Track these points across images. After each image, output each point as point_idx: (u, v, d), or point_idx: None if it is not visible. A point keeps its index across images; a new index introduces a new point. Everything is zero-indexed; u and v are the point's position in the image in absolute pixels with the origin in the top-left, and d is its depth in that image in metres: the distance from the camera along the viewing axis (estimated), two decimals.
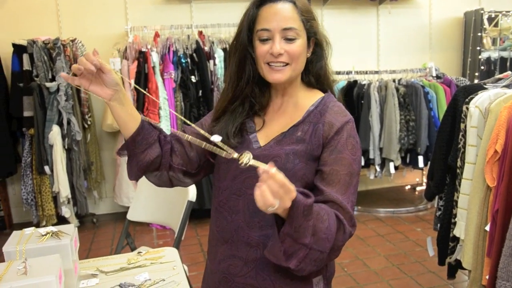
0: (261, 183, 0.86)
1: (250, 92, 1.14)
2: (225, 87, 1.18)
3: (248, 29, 1.11)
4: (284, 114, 1.15)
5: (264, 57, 1.08)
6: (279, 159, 1.07)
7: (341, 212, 1.02)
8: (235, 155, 0.93)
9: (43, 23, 4.00)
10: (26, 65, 3.64)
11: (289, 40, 1.06)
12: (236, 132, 1.14)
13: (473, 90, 2.01)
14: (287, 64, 1.08)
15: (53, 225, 3.10)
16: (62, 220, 3.71)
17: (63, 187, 3.63)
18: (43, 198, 3.68)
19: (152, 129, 1.13)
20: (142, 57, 3.79)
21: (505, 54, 4.73)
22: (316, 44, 1.14)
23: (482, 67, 4.70)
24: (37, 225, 3.38)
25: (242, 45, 1.12)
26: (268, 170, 0.85)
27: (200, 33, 4.08)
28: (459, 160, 2.00)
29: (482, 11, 4.64)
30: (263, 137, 1.14)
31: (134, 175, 1.16)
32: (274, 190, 0.86)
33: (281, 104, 1.16)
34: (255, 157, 1.00)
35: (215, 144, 0.96)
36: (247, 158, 0.91)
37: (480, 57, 4.69)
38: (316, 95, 1.16)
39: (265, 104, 1.17)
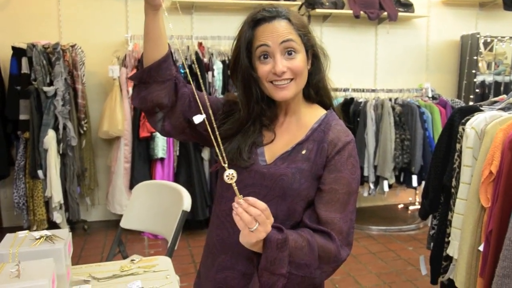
0: (238, 208, 0.94)
1: (259, 111, 1.14)
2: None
3: (246, 51, 1.09)
4: (287, 131, 1.15)
5: (266, 76, 1.08)
6: (286, 178, 1.08)
7: (335, 232, 1.06)
8: (226, 165, 1.00)
9: (44, 28, 4.01)
10: (25, 69, 3.64)
11: (290, 55, 1.06)
12: (248, 149, 1.13)
13: (469, 111, 2.04)
14: (291, 79, 1.07)
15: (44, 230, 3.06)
16: (53, 226, 3.66)
17: (55, 192, 3.60)
18: (35, 202, 3.64)
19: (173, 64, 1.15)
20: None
21: (499, 78, 4.79)
22: (314, 56, 1.14)
23: (477, 90, 4.75)
24: (28, 230, 3.32)
25: (243, 68, 1.10)
26: (248, 199, 0.94)
27: (200, 44, 4.11)
28: (454, 179, 2.01)
29: (478, 36, 4.71)
30: (269, 153, 1.14)
31: (139, 101, 1.18)
32: (256, 214, 0.94)
33: (284, 121, 1.16)
34: (262, 174, 1.08)
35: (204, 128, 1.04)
36: (234, 177, 0.98)
37: (475, 80, 4.74)
38: (318, 112, 1.17)
39: (273, 118, 1.17)
